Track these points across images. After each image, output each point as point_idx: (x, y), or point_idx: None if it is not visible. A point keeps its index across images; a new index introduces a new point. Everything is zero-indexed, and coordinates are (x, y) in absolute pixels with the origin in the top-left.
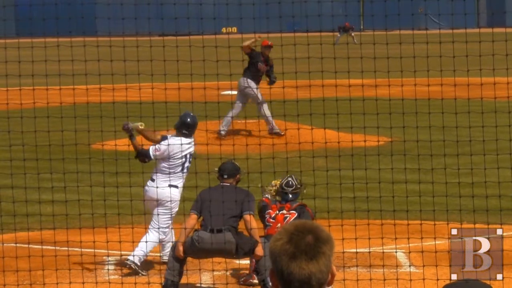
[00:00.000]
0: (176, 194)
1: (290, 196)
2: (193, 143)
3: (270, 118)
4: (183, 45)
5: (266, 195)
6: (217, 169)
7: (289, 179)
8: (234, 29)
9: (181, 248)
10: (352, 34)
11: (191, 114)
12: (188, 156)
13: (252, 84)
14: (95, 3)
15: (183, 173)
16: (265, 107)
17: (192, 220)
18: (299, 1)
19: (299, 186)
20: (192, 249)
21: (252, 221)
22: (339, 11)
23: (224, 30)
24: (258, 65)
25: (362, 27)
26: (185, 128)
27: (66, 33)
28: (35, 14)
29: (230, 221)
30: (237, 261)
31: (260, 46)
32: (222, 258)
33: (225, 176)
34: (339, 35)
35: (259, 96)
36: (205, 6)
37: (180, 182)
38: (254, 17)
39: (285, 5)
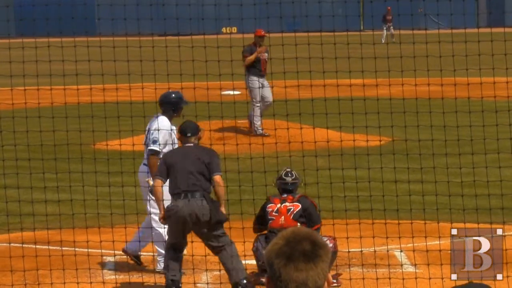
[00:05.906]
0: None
1: (290, 186)
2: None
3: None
4: (185, 45)
5: None
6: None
7: (288, 169)
8: (234, 29)
9: (162, 215)
10: (392, 32)
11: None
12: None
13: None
14: (97, 4)
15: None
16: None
17: (158, 186)
18: (299, 1)
19: (297, 177)
20: (169, 221)
21: (221, 182)
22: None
23: (224, 30)
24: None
25: (362, 27)
26: (171, 106)
27: (69, 33)
28: (38, 15)
29: (202, 182)
30: (243, 261)
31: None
32: (197, 231)
33: (189, 135)
34: (384, 31)
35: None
36: (206, 7)
37: None
38: (255, 17)
39: (286, 5)
